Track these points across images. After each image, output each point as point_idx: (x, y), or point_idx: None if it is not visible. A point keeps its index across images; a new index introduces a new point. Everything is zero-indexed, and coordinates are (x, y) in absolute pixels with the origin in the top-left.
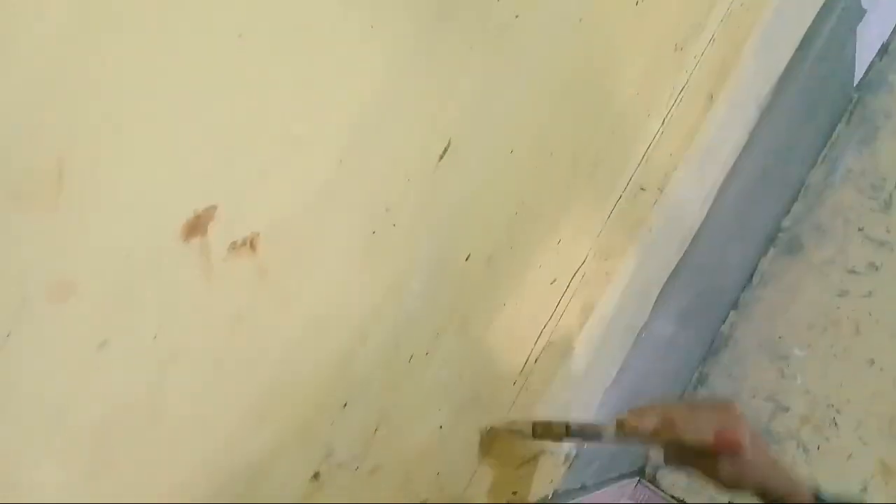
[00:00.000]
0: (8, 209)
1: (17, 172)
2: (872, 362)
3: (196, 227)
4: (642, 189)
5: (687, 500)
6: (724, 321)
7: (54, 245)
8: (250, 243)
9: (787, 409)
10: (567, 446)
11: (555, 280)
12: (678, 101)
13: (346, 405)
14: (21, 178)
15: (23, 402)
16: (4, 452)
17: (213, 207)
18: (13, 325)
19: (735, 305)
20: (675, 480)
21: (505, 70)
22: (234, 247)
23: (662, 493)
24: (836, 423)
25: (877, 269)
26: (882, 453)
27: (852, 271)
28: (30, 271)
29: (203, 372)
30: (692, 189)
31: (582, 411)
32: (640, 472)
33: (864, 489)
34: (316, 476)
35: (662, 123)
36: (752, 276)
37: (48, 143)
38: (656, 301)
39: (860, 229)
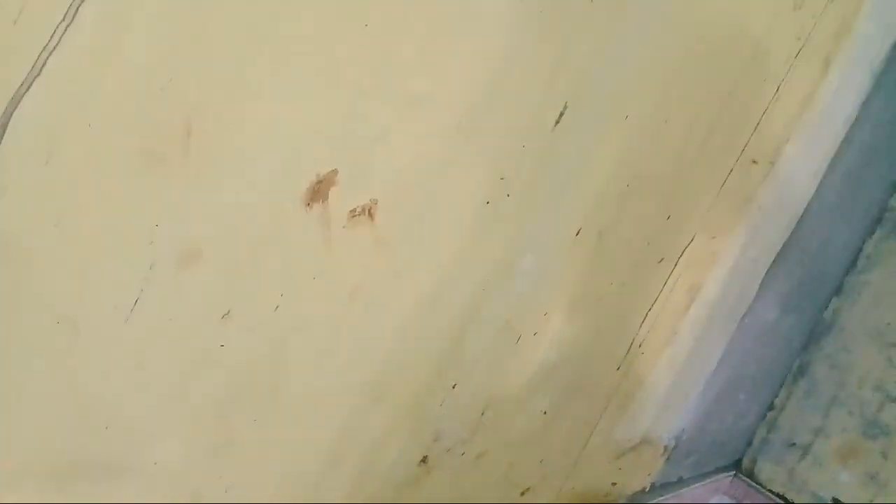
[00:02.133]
0: (139, 165)
1: (147, 130)
2: None
3: (318, 191)
4: (754, 162)
5: (787, 496)
6: (826, 307)
7: (182, 208)
8: (368, 212)
9: None
10: (668, 436)
11: (662, 259)
12: (794, 64)
13: (455, 386)
14: (151, 136)
15: (150, 374)
16: (133, 425)
17: (335, 172)
18: (142, 291)
19: (839, 291)
20: (774, 475)
21: (622, 32)
22: (353, 214)
23: (760, 488)
24: None
25: None
26: None
27: None
28: (159, 234)
29: (322, 344)
30: (803, 163)
31: (682, 398)
32: (737, 466)
33: None
34: (424, 460)
35: (777, 90)
36: (856, 259)
37: (178, 101)
38: (760, 285)
39: None
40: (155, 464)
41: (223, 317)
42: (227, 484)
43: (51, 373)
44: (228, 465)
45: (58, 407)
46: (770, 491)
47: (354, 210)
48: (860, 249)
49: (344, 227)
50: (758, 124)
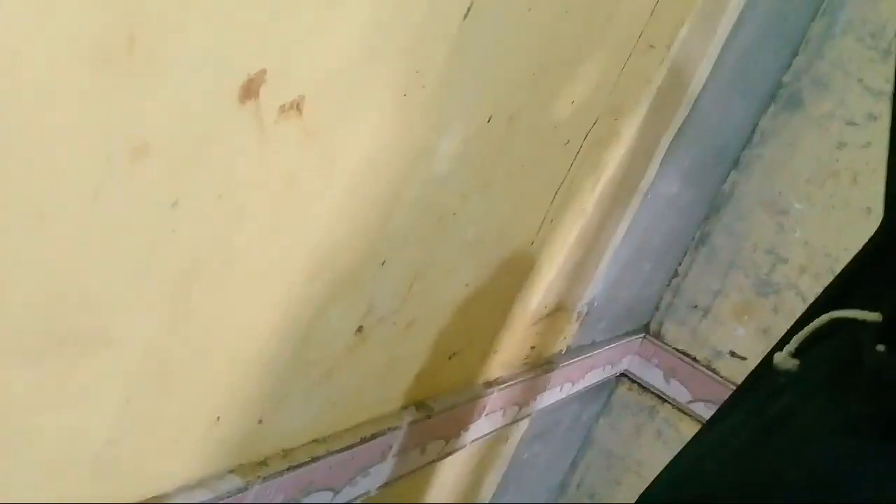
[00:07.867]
0: (91, 73)
1: (94, 40)
2: (869, 210)
3: (250, 89)
4: (651, 46)
5: (690, 353)
6: (724, 180)
7: (131, 107)
8: (297, 106)
9: (786, 261)
10: (580, 304)
11: (568, 141)
12: None
13: (384, 263)
14: (97, 45)
15: (113, 255)
16: (99, 302)
17: (264, 71)
18: (101, 183)
19: (736, 164)
20: (679, 335)
21: None
22: (282, 109)
23: (666, 347)
24: (833, 271)
25: (875, 118)
26: None
27: (851, 123)
28: (112, 132)
29: (264, 229)
30: (698, 46)
31: (592, 269)
32: (646, 329)
33: None
34: (360, 329)
35: None
36: (752, 134)
37: (118, 11)
38: (661, 161)
39: (859, 80)
40: (123, 337)
41: (172, 206)
42: (192, 349)
43: (30, 258)
44: (188, 333)
45: (37, 286)
46: (675, 349)
47: (283, 105)
48: (755, 125)
49: (275, 121)
50: (653, 11)
